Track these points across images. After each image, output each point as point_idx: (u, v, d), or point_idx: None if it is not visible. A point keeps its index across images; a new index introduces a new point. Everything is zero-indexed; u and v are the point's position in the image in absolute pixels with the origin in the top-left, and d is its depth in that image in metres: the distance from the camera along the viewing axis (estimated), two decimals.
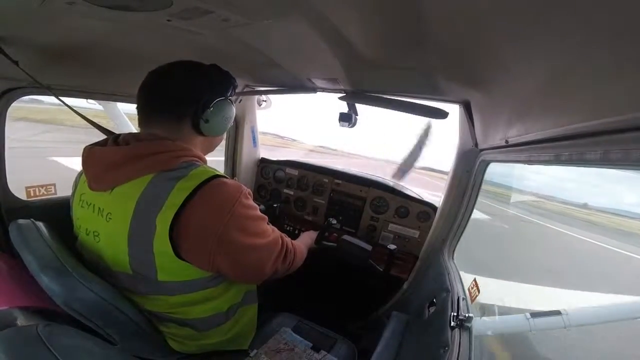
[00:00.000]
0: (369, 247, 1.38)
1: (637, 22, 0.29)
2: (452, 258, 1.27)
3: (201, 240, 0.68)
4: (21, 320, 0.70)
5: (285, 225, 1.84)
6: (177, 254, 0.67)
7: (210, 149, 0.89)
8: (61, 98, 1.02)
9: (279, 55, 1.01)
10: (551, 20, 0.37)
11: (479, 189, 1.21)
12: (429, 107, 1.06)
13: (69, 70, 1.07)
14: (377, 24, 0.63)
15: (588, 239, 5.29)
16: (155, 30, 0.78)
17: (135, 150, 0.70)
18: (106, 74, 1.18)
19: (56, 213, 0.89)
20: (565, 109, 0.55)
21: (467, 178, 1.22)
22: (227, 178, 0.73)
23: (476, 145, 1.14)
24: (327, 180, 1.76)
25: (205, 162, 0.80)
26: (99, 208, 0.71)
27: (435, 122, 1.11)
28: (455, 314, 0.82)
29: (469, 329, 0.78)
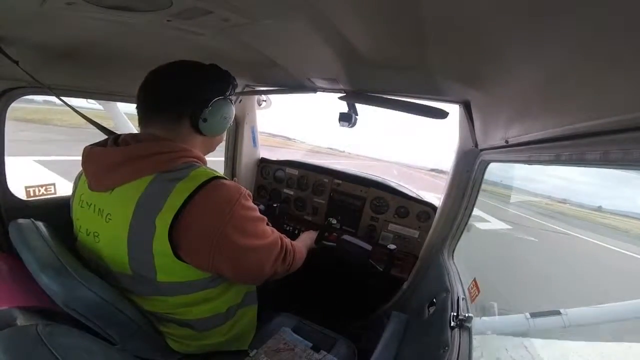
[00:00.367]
0: (369, 247, 1.38)
1: (637, 22, 0.29)
2: (452, 258, 1.27)
3: (201, 241, 0.68)
4: (21, 320, 0.70)
5: (285, 225, 1.84)
6: (177, 255, 0.67)
7: (210, 149, 0.89)
8: (62, 98, 1.02)
9: (279, 55, 1.01)
10: (551, 20, 0.37)
11: (479, 189, 1.21)
12: (429, 107, 1.06)
13: (69, 70, 1.07)
14: (377, 23, 0.63)
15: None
16: (155, 31, 0.78)
17: (135, 151, 0.70)
18: (106, 74, 1.18)
19: (56, 213, 0.89)
20: (565, 109, 0.56)
21: (467, 178, 1.22)
22: (226, 179, 0.73)
23: (476, 145, 1.14)
24: (327, 180, 1.76)
25: (205, 162, 0.79)
26: (99, 209, 0.71)
27: (436, 122, 1.10)
28: (455, 314, 0.82)
29: (469, 329, 0.78)
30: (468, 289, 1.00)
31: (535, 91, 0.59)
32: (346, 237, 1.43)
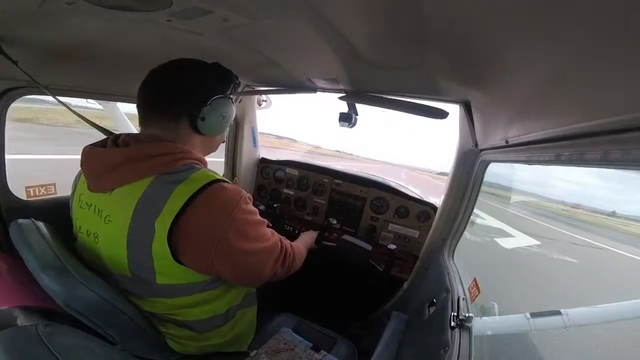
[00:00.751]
0: (369, 247, 1.38)
1: (636, 23, 0.29)
2: (452, 258, 1.27)
3: (200, 244, 0.67)
4: (21, 320, 0.70)
5: (285, 225, 1.84)
6: (176, 258, 0.67)
7: (210, 149, 0.88)
8: (60, 98, 1.02)
9: (279, 55, 1.01)
10: (551, 20, 0.37)
11: (479, 189, 1.21)
12: (429, 107, 1.06)
13: (68, 70, 1.07)
14: (377, 23, 0.63)
15: None
16: (155, 31, 0.77)
17: (135, 152, 0.69)
18: (106, 74, 1.18)
19: (56, 213, 0.89)
20: (565, 109, 0.55)
21: (467, 178, 1.22)
22: (227, 182, 0.72)
23: (476, 145, 1.14)
24: (327, 180, 1.76)
25: (205, 164, 0.79)
26: (99, 209, 0.71)
27: (443, 124, 1.10)
28: (455, 314, 0.82)
29: (469, 329, 0.78)
30: (468, 289, 1.00)
31: (535, 91, 0.59)
32: (346, 237, 1.43)
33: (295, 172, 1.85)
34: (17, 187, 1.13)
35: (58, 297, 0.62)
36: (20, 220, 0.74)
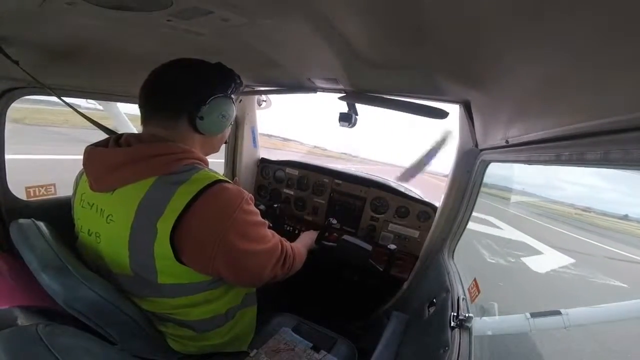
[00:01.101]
0: (369, 247, 1.38)
1: (636, 23, 0.29)
2: (452, 258, 1.27)
3: (202, 245, 0.68)
4: (21, 320, 0.71)
5: (285, 225, 1.84)
6: (178, 258, 0.67)
7: (212, 149, 0.87)
8: (62, 98, 1.02)
9: (279, 55, 1.01)
10: (551, 20, 0.37)
11: (479, 189, 1.21)
12: (429, 107, 1.06)
13: (69, 70, 1.07)
14: (377, 23, 0.63)
15: None
16: (155, 31, 0.78)
17: (137, 153, 0.69)
18: (106, 74, 1.18)
19: (56, 213, 0.89)
20: (565, 109, 0.56)
21: (467, 178, 1.22)
22: (228, 183, 0.72)
23: (476, 145, 1.14)
24: (327, 180, 1.76)
25: (207, 164, 0.79)
26: (100, 209, 0.71)
27: (439, 124, 1.10)
28: (455, 314, 0.82)
29: (469, 329, 0.78)
30: (468, 289, 1.00)
31: (535, 91, 0.59)
32: (346, 237, 1.43)
33: (295, 172, 1.85)
34: (18, 188, 1.13)
35: (58, 297, 0.62)
36: (21, 220, 0.75)
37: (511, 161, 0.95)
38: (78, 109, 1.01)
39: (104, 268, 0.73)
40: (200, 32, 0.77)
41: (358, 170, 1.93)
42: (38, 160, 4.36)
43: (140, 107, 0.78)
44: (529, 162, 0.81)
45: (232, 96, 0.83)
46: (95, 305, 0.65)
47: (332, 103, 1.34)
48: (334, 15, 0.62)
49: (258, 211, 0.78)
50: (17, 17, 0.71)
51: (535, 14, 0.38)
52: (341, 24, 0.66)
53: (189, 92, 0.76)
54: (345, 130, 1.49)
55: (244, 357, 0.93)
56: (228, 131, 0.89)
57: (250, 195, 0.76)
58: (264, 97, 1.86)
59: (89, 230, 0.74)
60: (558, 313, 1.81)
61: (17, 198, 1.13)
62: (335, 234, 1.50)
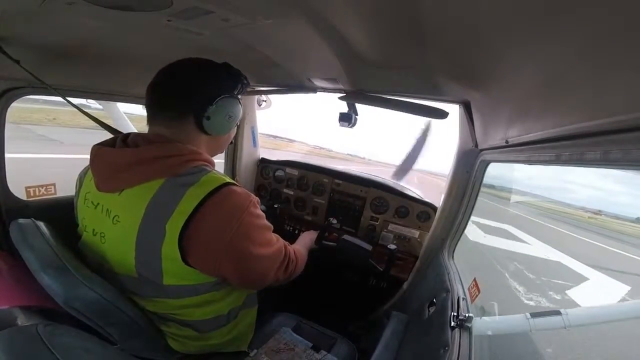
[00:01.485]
0: (369, 247, 1.38)
1: (636, 22, 0.29)
2: (452, 258, 1.27)
3: (209, 247, 0.68)
4: (21, 320, 0.71)
5: (285, 225, 1.84)
6: (184, 259, 0.67)
7: (218, 149, 0.87)
8: (65, 97, 1.02)
9: (279, 55, 1.01)
10: (551, 20, 0.37)
11: (479, 189, 1.21)
12: (429, 107, 1.06)
13: (69, 70, 1.07)
14: (377, 24, 0.63)
15: None
16: (156, 31, 0.78)
17: (145, 154, 0.69)
18: (106, 74, 1.18)
19: (56, 213, 0.89)
20: (565, 109, 0.55)
21: (467, 178, 1.22)
22: (236, 185, 0.72)
23: (476, 145, 1.14)
24: (327, 180, 1.76)
25: (213, 165, 0.78)
26: (107, 209, 0.71)
27: (436, 122, 1.10)
28: (455, 314, 0.82)
29: (469, 329, 0.78)
30: (468, 288, 1.00)
31: (535, 91, 0.59)
32: (347, 237, 1.43)
33: (295, 172, 1.85)
34: (18, 188, 1.13)
35: (58, 297, 0.62)
36: (21, 220, 0.75)
37: (511, 161, 0.95)
38: (75, 109, 1.02)
39: (106, 268, 0.73)
40: (200, 32, 0.77)
41: (358, 171, 1.93)
42: None
43: (146, 106, 0.78)
44: (529, 162, 0.81)
45: (239, 96, 0.82)
46: (95, 305, 0.65)
47: (336, 103, 1.33)
48: (334, 15, 0.62)
49: (264, 215, 0.78)
50: (17, 17, 0.71)
51: (535, 14, 0.38)
52: (341, 24, 0.66)
53: (196, 92, 0.75)
54: (350, 131, 1.49)
55: (244, 357, 0.93)
56: (234, 132, 0.89)
57: (257, 198, 0.76)
58: (264, 97, 1.86)
59: (93, 230, 0.74)
60: (558, 313, 1.81)
61: (17, 198, 1.13)
62: (335, 234, 1.50)
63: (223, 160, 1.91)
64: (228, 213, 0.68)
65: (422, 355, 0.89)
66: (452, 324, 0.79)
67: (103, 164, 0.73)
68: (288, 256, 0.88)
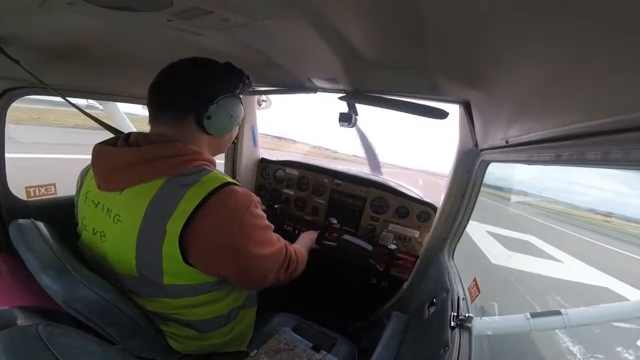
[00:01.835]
0: (369, 247, 1.38)
1: (636, 22, 0.29)
2: (452, 258, 1.27)
3: (210, 247, 0.68)
4: (21, 320, 0.71)
5: (285, 225, 1.84)
6: (185, 259, 0.67)
7: (219, 149, 0.87)
8: (67, 98, 1.02)
9: (279, 55, 1.01)
10: (551, 20, 0.37)
11: (479, 189, 1.21)
12: (429, 107, 1.06)
13: (69, 70, 1.07)
14: (377, 23, 0.63)
15: None
16: (156, 31, 0.78)
17: (147, 153, 0.69)
18: (106, 74, 1.18)
19: (56, 213, 0.89)
20: (565, 109, 0.55)
21: (467, 178, 1.22)
22: (237, 185, 0.72)
23: (476, 145, 1.14)
24: (327, 180, 1.76)
25: (215, 165, 0.78)
26: (107, 208, 0.71)
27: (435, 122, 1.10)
28: (455, 314, 0.82)
29: (469, 329, 0.78)
30: (468, 288, 1.00)
31: (535, 91, 0.59)
32: (347, 237, 1.43)
33: (295, 172, 1.85)
34: (18, 188, 1.13)
35: (58, 297, 0.62)
36: (20, 220, 0.75)
37: (511, 161, 0.96)
38: (75, 109, 1.02)
39: (106, 267, 0.72)
40: (200, 32, 0.77)
41: (358, 171, 1.93)
42: None
43: (148, 106, 0.78)
44: (529, 162, 0.81)
45: (241, 96, 0.82)
46: (94, 305, 0.65)
47: (340, 103, 1.33)
48: (334, 15, 0.62)
49: (265, 215, 0.78)
50: (17, 17, 0.71)
51: (535, 13, 0.38)
52: (341, 24, 0.66)
53: (197, 91, 0.75)
54: (354, 132, 1.48)
55: (243, 357, 0.93)
56: (236, 131, 0.89)
57: (258, 198, 0.76)
58: (264, 97, 1.86)
59: (93, 229, 0.74)
60: (558, 313, 1.81)
61: (17, 198, 1.13)
62: (335, 234, 1.50)
63: (223, 161, 1.91)
64: (229, 213, 0.68)
65: (422, 355, 0.89)
66: (452, 324, 0.79)
67: (105, 163, 0.73)
68: (289, 256, 0.88)
